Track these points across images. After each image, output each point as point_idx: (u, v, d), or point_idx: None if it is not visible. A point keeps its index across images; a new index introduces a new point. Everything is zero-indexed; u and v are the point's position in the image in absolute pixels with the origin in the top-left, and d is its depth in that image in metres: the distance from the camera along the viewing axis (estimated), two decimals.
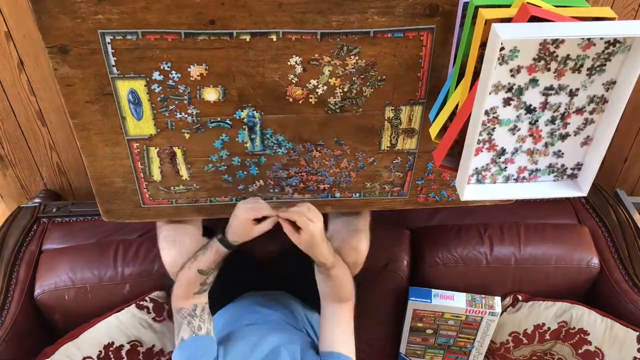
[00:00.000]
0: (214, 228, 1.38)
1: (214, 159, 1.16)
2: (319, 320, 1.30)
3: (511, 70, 0.81)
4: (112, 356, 1.48)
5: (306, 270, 1.27)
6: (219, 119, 1.10)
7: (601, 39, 0.79)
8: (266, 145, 1.15)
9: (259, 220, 1.13)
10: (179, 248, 1.29)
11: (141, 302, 1.46)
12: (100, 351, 1.46)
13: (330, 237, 1.26)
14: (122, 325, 1.46)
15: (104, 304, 1.46)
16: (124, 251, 1.50)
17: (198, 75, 1.03)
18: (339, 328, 1.26)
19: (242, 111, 1.09)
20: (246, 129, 1.12)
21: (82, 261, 1.48)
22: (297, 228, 1.11)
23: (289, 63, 1.03)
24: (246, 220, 1.12)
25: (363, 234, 1.33)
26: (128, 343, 1.48)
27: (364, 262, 1.34)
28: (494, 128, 0.88)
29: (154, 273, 1.47)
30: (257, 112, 1.10)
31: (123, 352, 1.49)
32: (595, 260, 1.54)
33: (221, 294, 1.38)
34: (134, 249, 1.51)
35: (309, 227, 1.09)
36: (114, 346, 1.47)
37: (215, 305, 1.37)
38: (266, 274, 1.50)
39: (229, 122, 1.11)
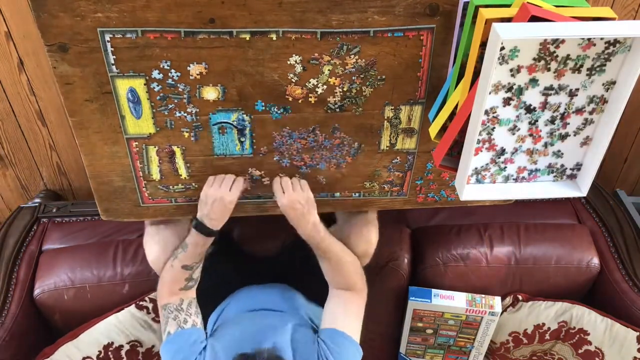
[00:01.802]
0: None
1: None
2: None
3: (511, 70, 0.81)
4: (111, 356, 1.48)
5: (307, 266, 1.27)
6: (222, 121, 1.10)
7: (601, 39, 0.79)
8: (256, 150, 1.15)
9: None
10: (162, 246, 1.28)
11: (141, 303, 1.46)
12: (99, 351, 1.46)
13: (339, 228, 1.29)
14: (122, 325, 1.45)
15: (103, 304, 1.46)
16: (123, 251, 1.50)
17: (197, 74, 1.03)
18: (340, 308, 1.23)
19: (232, 114, 1.09)
20: (235, 131, 1.12)
21: (81, 261, 1.48)
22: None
23: (288, 62, 1.02)
24: (221, 199, 1.13)
25: (372, 225, 1.33)
26: (127, 343, 1.48)
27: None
28: (494, 128, 0.88)
29: (154, 273, 1.46)
30: (247, 116, 1.10)
31: (122, 353, 1.48)
32: (595, 260, 1.54)
33: (218, 292, 1.38)
34: (134, 249, 1.50)
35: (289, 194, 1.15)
36: (114, 346, 1.47)
37: (214, 302, 1.37)
38: (265, 270, 1.48)
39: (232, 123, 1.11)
